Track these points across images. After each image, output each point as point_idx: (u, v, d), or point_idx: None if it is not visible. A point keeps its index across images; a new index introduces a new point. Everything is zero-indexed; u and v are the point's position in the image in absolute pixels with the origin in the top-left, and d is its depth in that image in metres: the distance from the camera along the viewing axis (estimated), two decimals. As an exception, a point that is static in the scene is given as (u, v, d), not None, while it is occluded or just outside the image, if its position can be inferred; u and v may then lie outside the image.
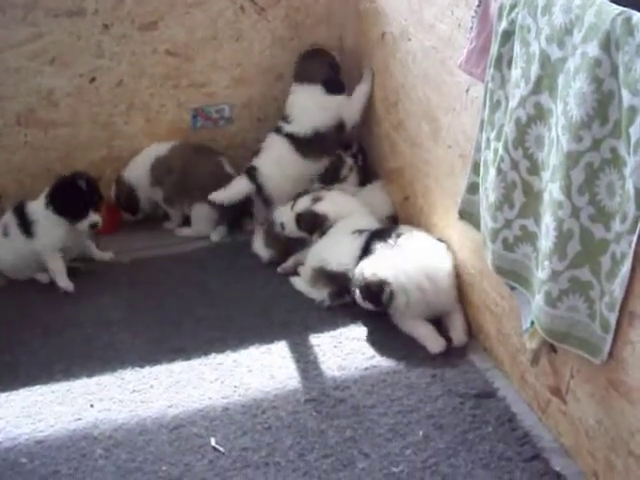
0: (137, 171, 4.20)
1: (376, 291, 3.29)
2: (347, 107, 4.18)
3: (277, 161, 4.14)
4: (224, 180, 4.15)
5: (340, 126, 4.19)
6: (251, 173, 4.12)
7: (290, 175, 4.13)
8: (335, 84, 4.19)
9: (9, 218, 3.84)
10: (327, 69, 4.21)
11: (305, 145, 4.14)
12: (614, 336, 2.30)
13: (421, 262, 3.34)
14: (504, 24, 2.62)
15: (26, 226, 3.77)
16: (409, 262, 3.33)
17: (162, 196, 4.22)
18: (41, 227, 3.76)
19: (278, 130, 4.19)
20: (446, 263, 3.37)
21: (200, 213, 4.20)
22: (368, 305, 3.34)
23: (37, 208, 3.78)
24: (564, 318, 2.42)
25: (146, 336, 3.43)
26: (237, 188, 4.10)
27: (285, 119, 4.19)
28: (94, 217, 3.74)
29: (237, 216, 4.25)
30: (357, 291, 3.34)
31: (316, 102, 4.15)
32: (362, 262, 3.39)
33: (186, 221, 4.29)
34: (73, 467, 2.78)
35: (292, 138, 4.14)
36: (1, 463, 2.80)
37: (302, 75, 4.20)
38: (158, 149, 4.22)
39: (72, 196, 3.72)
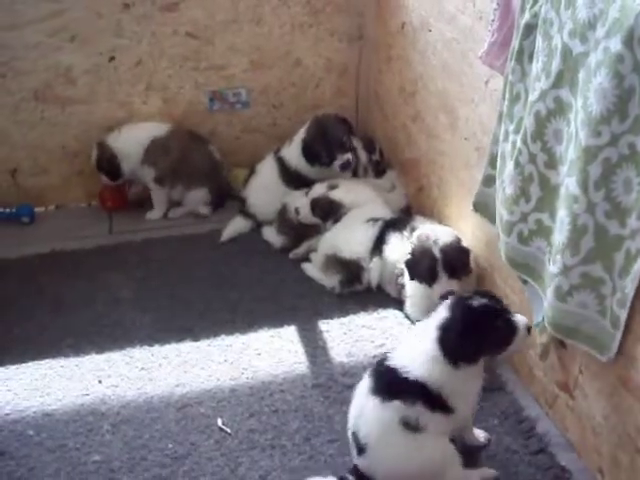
0: (127, 146, 4.14)
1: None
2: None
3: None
4: (216, 168, 4.29)
5: None
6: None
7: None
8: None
9: None
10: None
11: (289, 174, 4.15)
12: (625, 333, 2.29)
13: None
14: (527, 17, 2.61)
15: None
16: None
17: (153, 175, 4.19)
18: None
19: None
20: None
21: (197, 196, 4.25)
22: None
23: None
24: (573, 313, 2.42)
25: (156, 315, 3.44)
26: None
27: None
28: None
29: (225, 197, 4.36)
30: None
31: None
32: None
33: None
34: (80, 441, 2.81)
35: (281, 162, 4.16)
36: (8, 435, 2.83)
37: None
38: (155, 130, 4.20)
39: None
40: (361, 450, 2.52)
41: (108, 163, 4.13)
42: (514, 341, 2.53)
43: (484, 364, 2.59)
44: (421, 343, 2.53)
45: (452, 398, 2.49)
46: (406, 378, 2.47)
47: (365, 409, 2.51)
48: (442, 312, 2.54)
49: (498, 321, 2.50)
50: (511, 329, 2.52)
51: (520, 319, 2.54)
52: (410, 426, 2.46)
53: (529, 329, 2.55)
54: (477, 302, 2.51)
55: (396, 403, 2.46)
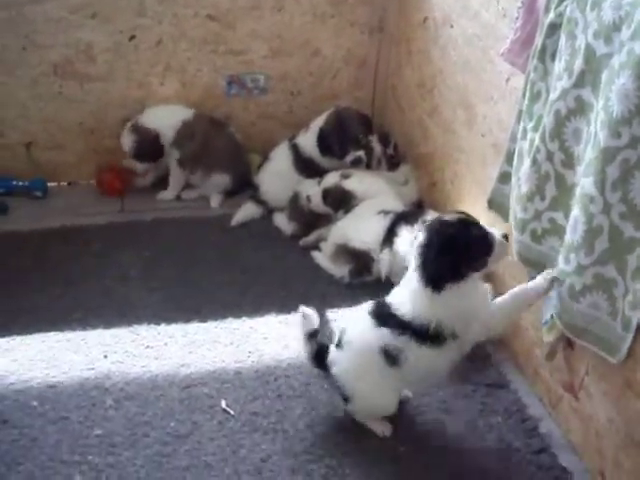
0: (163, 123, 4.15)
1: None
2: None
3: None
4: (238, 150, 4.31)
5: None
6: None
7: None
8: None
9: None
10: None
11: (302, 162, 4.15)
12: (634, 335, 2.29)
13: None
14: (551, 16, 2.60)
15: None
16: None
17: (178, 157, 4.19)
18: None
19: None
20: None
21: (219, 181, 4.26)
22: None
23: None
24: (585, 314, 2.42)
25: (163, 294, 3.45)
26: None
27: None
28: None
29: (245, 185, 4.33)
30: None
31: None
32: None
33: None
34: (83, 415, 2.81)
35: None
36: (12, 404, 2.84)
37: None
38: (184, 113, 4.21)
39: None
40: (339, 345, 2.73)
41: (151, 145, 4.13)
42: (493, 252, 2.55)
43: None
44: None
45: (449, 325, 2.54)
46: (395, 314, 2.60)
47: (359, 322, 2.71)
48: (419, 237, 2.57)
49: (473, 233, 2.53)
50: (488, 240, 2.55)
51: (495, 230, 2.59)
52: (389, 356, 2.61)
53: (506, 237, 2.59)
54: (450, 219, 2.56)
55: (384, 331, 2.60)
